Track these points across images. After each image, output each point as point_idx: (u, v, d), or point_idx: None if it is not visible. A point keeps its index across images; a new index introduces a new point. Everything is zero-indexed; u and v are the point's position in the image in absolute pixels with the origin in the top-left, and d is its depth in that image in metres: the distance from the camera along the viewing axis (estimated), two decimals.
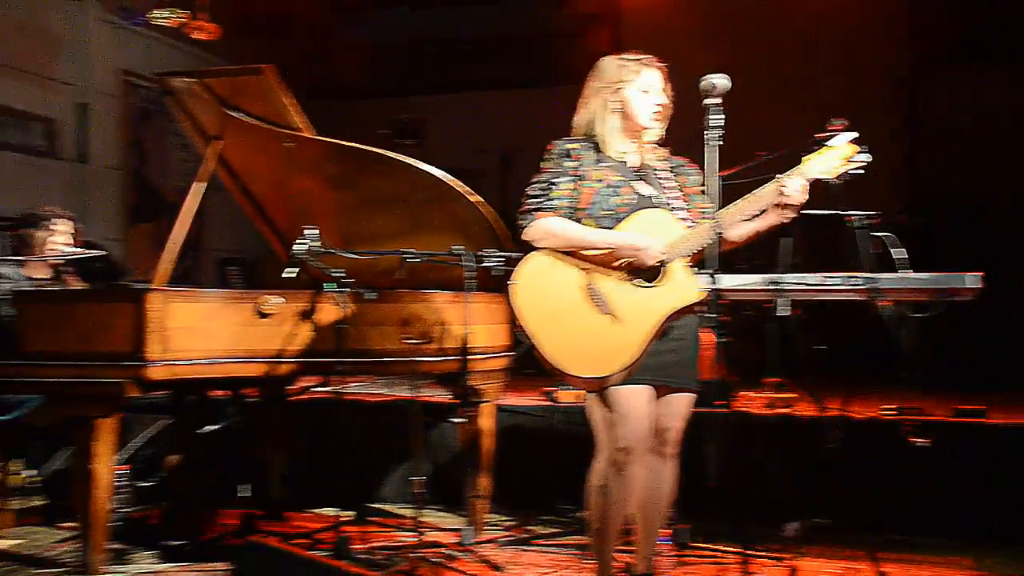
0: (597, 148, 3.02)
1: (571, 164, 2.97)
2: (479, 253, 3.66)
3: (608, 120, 3.01)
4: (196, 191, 3.87)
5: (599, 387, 2.89)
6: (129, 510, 4.18)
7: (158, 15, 8.23)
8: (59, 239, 4.46)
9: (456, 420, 4.19)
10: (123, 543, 3.85)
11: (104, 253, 4.57)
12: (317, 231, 3.64)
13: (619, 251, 2.87)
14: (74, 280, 4.59)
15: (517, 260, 3.00)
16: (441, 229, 4.01)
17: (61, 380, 3.54)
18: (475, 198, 4.03)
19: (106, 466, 3.54)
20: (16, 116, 7.68)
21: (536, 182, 2.99)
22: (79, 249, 4.50)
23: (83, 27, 8.26)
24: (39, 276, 4.49)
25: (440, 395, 4.67)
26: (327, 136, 4.03)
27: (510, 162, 9.33)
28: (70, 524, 4.19)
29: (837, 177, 2.83)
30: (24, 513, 4.49)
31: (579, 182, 2.96)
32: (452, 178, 4.01)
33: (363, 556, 3.76)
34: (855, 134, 2.83)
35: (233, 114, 4.00)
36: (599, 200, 2.94)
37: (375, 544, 4.02)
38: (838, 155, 2.82)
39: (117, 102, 8.67)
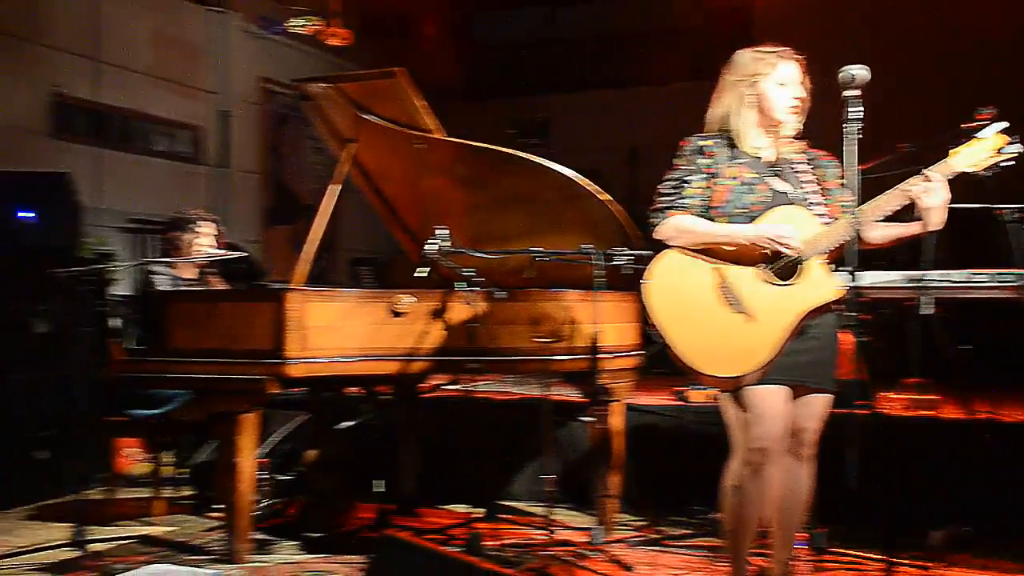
0: (731, 144, 2.94)
1: (704, 161, 2.91)
2: (608, 251, 3.62)
3: (743, 114, 2.93)
4: (331, 193, 3.94)
5: (733, 386, 2.83)
6: (270, 502, 4.29)
7: (295, 23, 8.47)
8: (203, 241, 4.61)
9: (586, 419, 4.17)
10: (265, 534, 3.95)
11: (245, 254, 4.67)
12: (447, 230, 3.67)
13: (757, 241, 2.79)
14: (217, 280, 4.73)
15: (646, 258, 2.97)
16: (570, 228, 4.00)
17: (206, 376, 3.65)
18: (604, 196, 4.00)
19: (249, 460, 3.63)
20: (164, 124, 8.04)
21: (668, 180, 2.94)
22: (222, 251, 4.63)
23: (224, 37, 8.58)
24: (187, 277, 4.64)
25: (570, 394, 4.64)
26: (456, 137, 4.06)
27: (637, 160, 9.22)
28: (216, 514, 4.32)
29: (986, 170, 2.68)
30: (175, 502, 4.66)
31: (712, 180, 2.89)
32: (581, 177, 3.99)
33: (495, 553, 3.76)
34: (1005, 124, 2.69)
35: (367, 117, 4.07)
36: (733, 198, 2.87)
37: (506, 541, 4.01)
38: (987, 147, 2.68)
39: (256, 109, 8.99)
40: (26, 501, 4.74)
